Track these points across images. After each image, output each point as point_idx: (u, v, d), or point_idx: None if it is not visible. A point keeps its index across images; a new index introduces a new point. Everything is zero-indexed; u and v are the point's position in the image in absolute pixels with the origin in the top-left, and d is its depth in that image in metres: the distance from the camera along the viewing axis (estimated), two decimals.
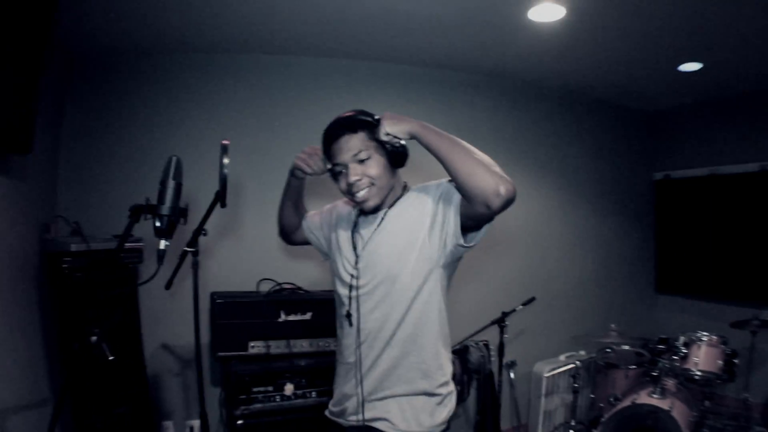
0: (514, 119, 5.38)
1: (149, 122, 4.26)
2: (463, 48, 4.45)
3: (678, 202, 6.21)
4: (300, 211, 2.64)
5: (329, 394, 3.68)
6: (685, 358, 4.26)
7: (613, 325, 4.79)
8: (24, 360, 3.16)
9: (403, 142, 2.06)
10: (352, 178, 2.05)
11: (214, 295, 3.78)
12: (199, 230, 2.65)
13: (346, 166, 2.08)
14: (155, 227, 2.30)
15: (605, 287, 5.86)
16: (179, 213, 2.33)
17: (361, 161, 2.06)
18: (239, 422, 3.54)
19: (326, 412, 2.40)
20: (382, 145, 2.07)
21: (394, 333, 2.06)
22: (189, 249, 2.65)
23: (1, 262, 2.97)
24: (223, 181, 2.44)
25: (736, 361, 4.30)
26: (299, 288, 4.03)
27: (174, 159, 2.33)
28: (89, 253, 3.35)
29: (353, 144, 2.05)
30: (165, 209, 2.28)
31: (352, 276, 2.18)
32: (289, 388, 3.69)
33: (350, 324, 2.17)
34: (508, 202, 1.89)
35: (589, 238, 5.79)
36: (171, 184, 2.30)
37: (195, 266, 2.71)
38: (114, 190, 4.10)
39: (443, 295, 2.13)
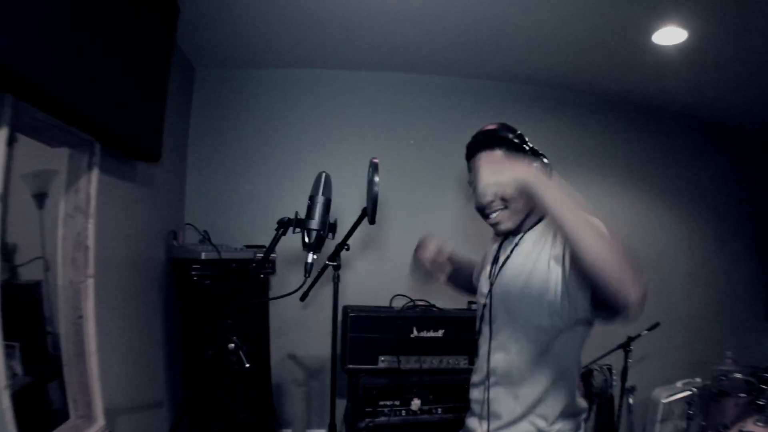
0: (637, 143, 5.27)
1: (277, 136, 4.34)
2: (586, 71, 4.44)
3: None
4: (466, 271, 2.51)
5: (456, 411, 3.65)
6: None
7: (728, 353, 4.67)
8: (142, 363, 3.24)
9: (544, 161, 2.01)
10: (483, 200, 1.93)
11: (347, 309, 3.78)
12: (343, 245, 2.69)
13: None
14: (303, 241, 2.25)
15: (721, 314, 5.61)
16: (328, 228, 2.28)
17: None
18: None
19: None
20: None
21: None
22: (331, 263, 2.72)
23: (125, 267, 3.04)
24: (374, 198, 2.41)
25: None
26: (432, 305, 3.97)
27: (324, 175, 2.29)
28: (219, 262, 3.39)
29: (490, 161, 1.93)
30: (314, 224, 2.22)
31: (487, 294, 2.05)
32: (416, 403, 3.64)
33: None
34: (629, 315, 1.52)
35: (709, 263, 5.58)
36: (320, 199, 2.25)
37: (336, 280, 2.80)
38: (242, 202, 4.19)
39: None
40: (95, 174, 2.62)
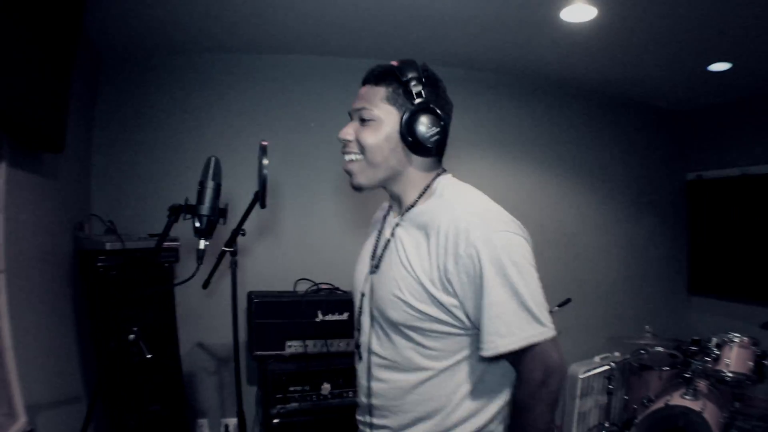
0: (545, 120, 5.37)
1: (182, 122, 4.31)
2: (494, 48, 4.45)
3: (710, 202, 6.12)
4: None
5: None
6: (717, 359, 4.22)
7: (647, 327, 4.77)
8: (57, 358, 3.20)
9: (425, 121, 1.56)
10: (340, 134, 1.68)
11: (251, 295, 3.78)
12: (238, 230, 2.71)
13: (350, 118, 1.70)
14: (195, 227, 2.29)
15: (639, 288, 5.82)
16: (219, 213, 2.32)
17: (363, 121, 1.63)
18: (275, 421, 3.54)
19: None
20: (400, 113, 1.59)
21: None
22: (227, 249, 2.72)
23: (34, 260, 3.00)
24: (263, 181, 2.46)
25: (766, 362, 4.25)
26: (336, 288, 4.02)
27: (213, 159, 2.33)
28: (124, 252, 3.36)
29: (365, 97, 1.64)
30: (205, 209, 2.27)
31: (362, 294, 1.76)
32: (326, 388, 3.69)
33: (359, 357, 1.75)
34: None
35: (622, 239, 5.75)
36: (210, 184, 2.30)
37: (233, 266, 2.76)
38: (147, 190, 4.15)
39: None
40: (3, 167, 2.57)
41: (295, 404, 3.63)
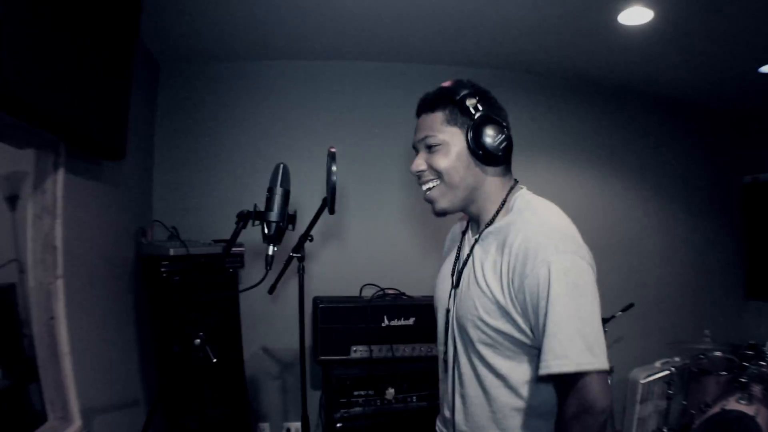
0: (603, 124, 5.31)
1: (243, 129, 4.36)
2: (552, 52, 4.44)
3: (766, 205, 5.97)
4: None
5: (430, 398, 3.67)
6: None
7: (706, 331, 4.71)
8: (116, 362, 3.26)
9: (491, 133, 1.60)
10: (413, 167, 1.69)
11: (317, 300, 3.79)
12: (306, 236, 2.70)
13: (416, 151, 1.73)
14: (264, 233, 2.28)
15: (698, 293, 5.69)
16: (288, 219, 2.32)
17: (430, 148, 1.66)
18: (339, 425, 3.56)
19: None
20: (464, 132, 1.63)
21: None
22: (295, 254, 2.71)
23: (94, 266, 3.06)
24: (332, 188, 2.46)
25: None
26: (402, 293, 4.00)
27: (281, 166, 2.33)
28: (188, 258, 3.41)
29: (426, 125, 1.68)
30: (273, 216, 2.26)
31: (448, 311, 1.77)
32: (390, 393, 3.68)
33: (445, 370, 1.77)
34: None
35: (681, 243, 5.65)
36: (279, 191, 2.29)
37: (301, 271, 2.75)
38: (210, 197, 4.22)
39: None
40: (61, 174, 2.64)
41: (358, 409, 3.64)
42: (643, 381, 4.93)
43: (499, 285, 1.52)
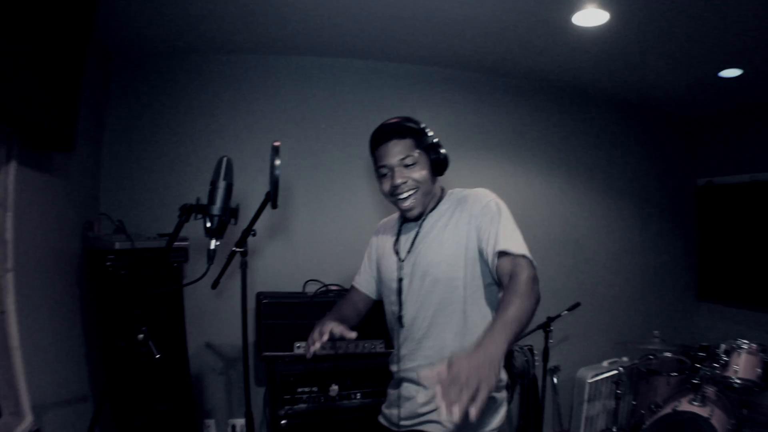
0: (555, 124, 5.39)
1: (192, 122, 4.34)
2: (504, 52, 4.46)
3: (720, 208, 6.10)
4: (359, 308, 2.63)
5: (374, 395, 3.73)
6: (725, 365, 4.21)
7: (656, 332, 4.75)
8: (64, 357, 3.24)
9: (443, 151, 2.26)
10: (398, 180, 2.17)
11: (260, 296, 3.82)
12: (249, 231, 2.72)
13: (392, 169, 2.19)
14: (206, 227, 2.33)
15: (647, 293, 5.82)
16: (230, 213, 2.36)
17: (407, 166, 2.18)
18: (283, 422, 3.59)
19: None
20: (426, 152, 2.22)
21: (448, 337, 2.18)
22: (238, 249, 2.74)
23: (43, 259, 3.04)
24: (275, 182, 2.51)
25: None
26: (345, 289, 3.97)
27: (225, 159, 2.37)
28: (134, 252, 3.40)
29: (400, 149, 2.18)
30: (216, 209, 2.31)
31: (400, 279, 2.30)
32: (334, 389, 3.73)
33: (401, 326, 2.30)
34: None
35: (631, 244, 5.75)
36: (222, 184, 2.34)
37: (243, 266, 2.79)
38: (157, 190, 4.19)
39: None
40: (13, 166, 2.63)
41: (303, 405, 3.69)
42: (590, 380, 5.04)
43: (458, 234, 2.16)
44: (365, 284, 2.62)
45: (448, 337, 2.15)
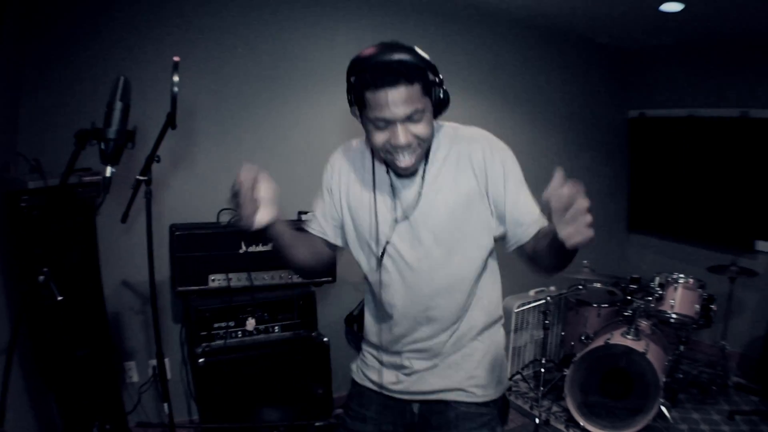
0: (483, 51, 5.39)
1: (95, 44, 3.94)
2: None
3: (653, 141, 6.35)
4: (317, 249, 2.23)
5: (292, 328, 3.79)
6: (660, 299, 4.33)
7: (585, 262, 4.86)
8: None
9: (445, 89, 1.89)
10: (402, 141, 1.78)
11: (173, 228, 3.73)
12: (152, 157, 2.70)
13: (394, 124, 1.77)
14: (101, 152, 2.31)
15: None
16: (126, 136, 2.32)
17: (413, 120, 1.78)
18: (201, 360, 3.57)
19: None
20: (430, 96, 1.83)
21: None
22: (141, 177, 2.72)
23: None
24: (174, 100, 2.48)
25: (713, 306, 4.38)
26: None
27: (122, 79, 2.32)
28: (48, 190, 3.34)
29: (409, 98, 1.73)
30: (111, 132, 2.27)
31: (387, 242, 2.02)
32: (251, 323, 3.76)
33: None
34: None
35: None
36: (118, 105, 2.29)
37: (148, 196, 2.77)
38: (68, 122, 3.65)
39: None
40: None
41: (220, 342, 3.68)
42: (516, 310, 5.11)
43: (468, 178, 1.96)
44: (330, 232, 2.21)
45: (457, 302, 2.11)
